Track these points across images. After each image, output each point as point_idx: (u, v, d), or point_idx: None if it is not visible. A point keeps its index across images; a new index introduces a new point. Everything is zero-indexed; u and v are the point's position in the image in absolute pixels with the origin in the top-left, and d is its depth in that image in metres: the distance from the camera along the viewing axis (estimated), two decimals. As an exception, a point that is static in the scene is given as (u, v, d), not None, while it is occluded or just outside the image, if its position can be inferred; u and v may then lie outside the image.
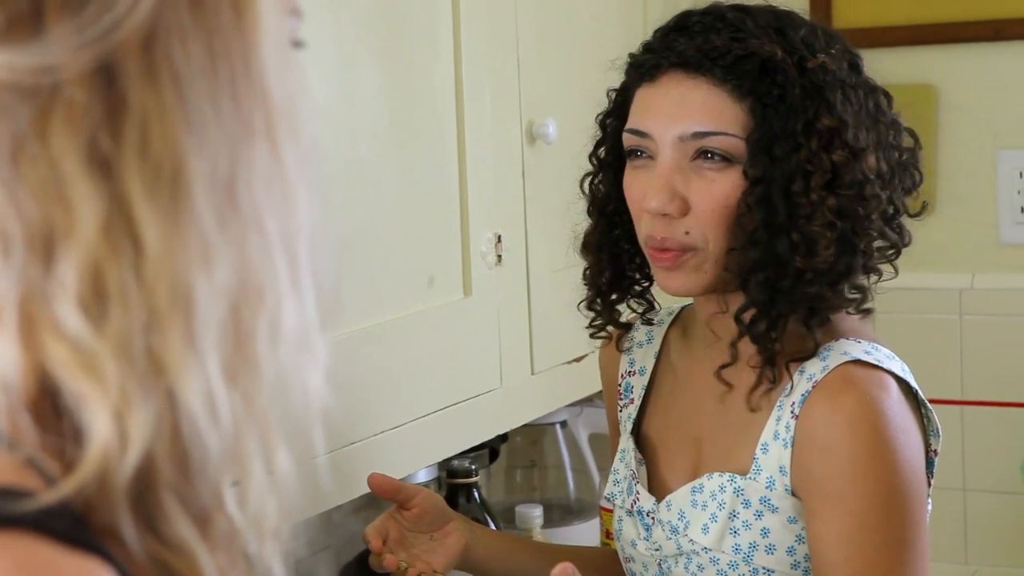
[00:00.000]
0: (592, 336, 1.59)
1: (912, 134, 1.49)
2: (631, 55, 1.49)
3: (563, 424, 2.39)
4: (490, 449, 2.24)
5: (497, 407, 1.86)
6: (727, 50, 1.39)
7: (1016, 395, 2.45)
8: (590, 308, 1.57)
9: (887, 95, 1.47)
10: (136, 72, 0.57)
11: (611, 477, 1.58)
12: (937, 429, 1.44)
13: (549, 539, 2.11)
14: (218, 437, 0.59)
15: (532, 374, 1.93)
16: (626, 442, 1.57)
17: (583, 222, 1.58)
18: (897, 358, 1.43)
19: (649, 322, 1.59)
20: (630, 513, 1.52)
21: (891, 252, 1.46)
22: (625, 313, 1.59)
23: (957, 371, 2.47)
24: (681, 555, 1.45)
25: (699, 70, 1.40)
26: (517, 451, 2.41)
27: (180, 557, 0.58)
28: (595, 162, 1.56)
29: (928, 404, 1.44)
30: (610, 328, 1.58)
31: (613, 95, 1.53)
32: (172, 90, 0.58)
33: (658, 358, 1.59)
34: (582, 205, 1.59)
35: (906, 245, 1.47)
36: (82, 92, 0.57)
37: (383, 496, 1.59)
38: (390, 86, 1.67)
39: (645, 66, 1.45)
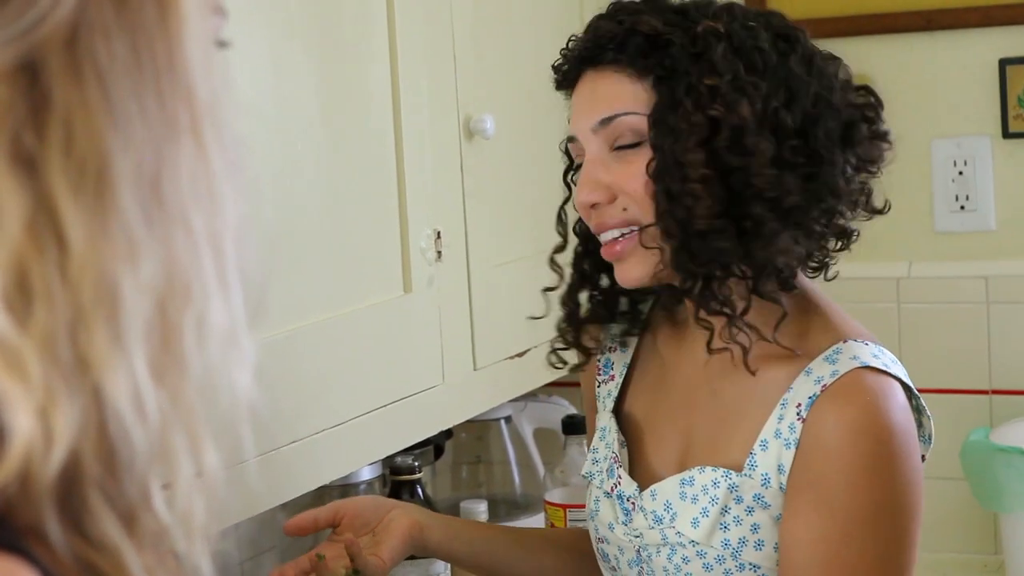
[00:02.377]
0: (551, 355, 1.60)
1: (870, 90, 1.48)
2: (552, 67, 1.52)
3: (507, 419, 2.40)
4: (435, 446, 2.25)
5: (439, 403, 1.86)
6: (614, 34, 1.43)
7: (954, 382, 2.48)
8: (559, 329, 1.58)
9: (832, 58, 1.45)
10: (60, 69, 0.57)
11: (590, 456, 1.57)
12: (929, 436, 1.45)
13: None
14: (145, 434, 0.59)
15: (474, 370, 1.93)
16: (607, 421, 1.56)
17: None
18: (899, 362, 1.43)
19: (631, 332, 1.58)
20: (608, 495, 1.51)
21: (830, 205, 1.42)
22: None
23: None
24: (665, 545, 1.44)
25: (600, 61, 1.44)
26: (462, 447, 2.41)
27: (106, 556, 0.58)
28: (567, 189, 1.58)
29: (927, 411, 1.44)
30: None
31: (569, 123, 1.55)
32: (96, 87, 0.58)
33: (641, 335, 1.58)
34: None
35: (854, 200, 1.45)
36: (5, 89, 0.57)
37: (306, 533, 1.61)
38: (325, 83, 1.66)
39: (562, 73, 1.50)
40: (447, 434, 2.25)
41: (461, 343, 1.90)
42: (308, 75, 1.63)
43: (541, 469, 2.36)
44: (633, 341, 1.58)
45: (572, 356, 1.59)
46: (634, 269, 1.44)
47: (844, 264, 2.49)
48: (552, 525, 2.15)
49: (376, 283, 1.75)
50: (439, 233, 1.84)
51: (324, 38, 1.66)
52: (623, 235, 1.43)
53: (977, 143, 2.46)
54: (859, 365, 1.38)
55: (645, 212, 1.42)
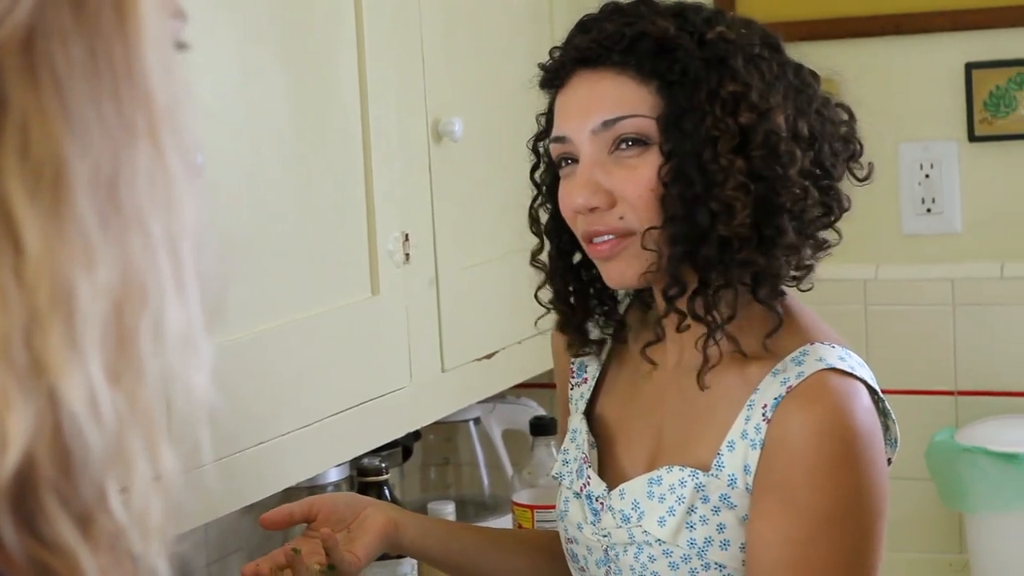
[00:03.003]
0: (573, 355, 1.59)
1: (846, 108, 1.49)
2: (540, 65, 1.50)
3: (476, 421, 2.40)
4: (403, 447, 2.25)
5: (407, 405, 1.86)
6: (620, 35, 1.41)
7: (920, 383, 2.50)
8: (561, 331, 1.57)
9: (814, 74, 1.47)
10: (16, 73, 0.57)
11: (560, 457, 1.57)
12: (895, 439, 1.45)
13: (462, 535, 2.11)
14: (100, 437, 0.59)
15: (443, 371, 1.94)
16: (578, 423, 1.56)
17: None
18: (866, 365, 1.43)
19: (621, 340, 1.58)
20: (577, 496, 1.51)
21: (829, 217, 1.46)
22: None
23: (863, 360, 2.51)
24: (632, 544, 1.45)
25: (600, 62, 1.42)
26: (431, 448, 2.41)
27: (60, 558, 0.58)
28: (533, 188, 1.57)
29: (892, 414, 1.45)
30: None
31: (542, 119, 1.54)
32: (52, 92, 0.58)
33: (615, 338, 1.58)
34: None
35: (845, 209, 1.47)
36: None
37: (281, 528, 1.60)
38: (293, 86, 1.66)
39: (551, 72, 1.47)
40: (415, 436, 2.25)
41: (429, 345, 1.91)
42: (276, 77, 1.64)
43: (510, 470, 2.37)
44: (607, 345, 1.59)
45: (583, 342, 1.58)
46: (625, 269, 1.42)
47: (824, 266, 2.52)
48: (520, 526, 2.15)
49: (344, 285, 1.75)
50: (407, 235, 1.84)
51: (292, 40, 1.66)
52: (615, 238, 1.42)
53: (944, 147, 2.48)
54: (825, 367, 1.38)
55: (644, 219, 1.40)
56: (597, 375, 1.58)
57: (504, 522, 2.24)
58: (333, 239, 1.73)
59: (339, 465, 1.95)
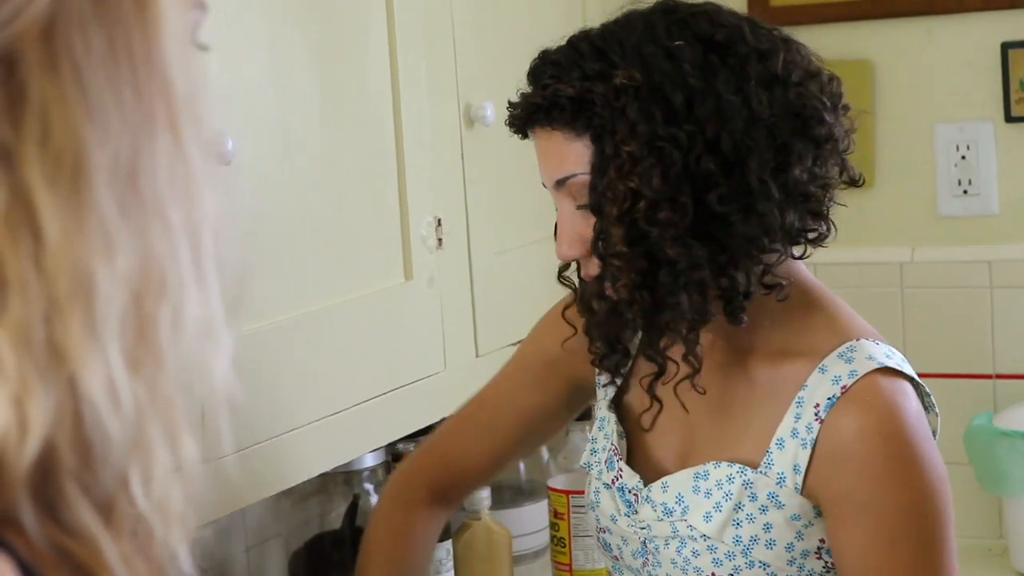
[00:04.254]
0: (595, 364, 1.56)
1: (832, 77, 1.44)
2: (507, 106, 1.49)
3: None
4: (438, 432, 2.25)
5: (441, 390, 1.86)
6: (541, 101, 1.41)
7: (958, 366, 2.48)
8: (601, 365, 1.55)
9: (819, 78, 1.42)
10: (36, 63, 0.57)
11: (588, 446, 1.58)
12: (935, 431, 1.45)
13: (498, 520, 2.12)
14: (120, 425, 0.59)
15: (477, 356, 1.94)
16: (606, 412, 1.56)
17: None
18: (907, 362, 1.44)
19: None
20: (608, 487, 1.51)
21: (762, 246, 1.38)
22: None
23: (899, 344, 2.47)
24: (674, 538, 1.45)
25: (542, 121, 1.42)
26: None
27: (82, 544, 0.59)
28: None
29: (935, 408, 1.45)
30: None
31: None
32: (73, 81, 0.58)
33: None
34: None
35: (808, 216, 1.41)
36: None
37: None
38: (323, 70, 1.66)
39: (515, 125, 1.47)
40: (452, 421, 2.26)
41: (463, 330, 1.91)
42: (307, 63, 1.64)
43: (546, 455, 2.37)
44: (636, 337, 1.58)
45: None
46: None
47: (847, 249, 2.51)
48: (556, 511, 2.16)
49: (377, 271, 1.75)
50: (439, 221, 1.84)
51: (323, 25, 1.66)
52: None
53: (980, 127, 2.46)
54: (876, 366, 1.39)
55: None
56: (629, 366, 1.57)
57: (540, 507, 2.24)
58: (365, 225, 1.73)
59: (374, 451, 1.95)
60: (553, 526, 2.19)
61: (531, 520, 2.23)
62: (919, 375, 1.45)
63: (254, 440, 1.53)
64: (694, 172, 1.35)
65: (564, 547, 2.16)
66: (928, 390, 1.45)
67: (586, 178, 1.40)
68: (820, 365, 1.40)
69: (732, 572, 1.41)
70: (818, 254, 1.47)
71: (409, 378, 1.79)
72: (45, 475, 0.58)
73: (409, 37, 1.79)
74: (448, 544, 1.98)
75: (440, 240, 1.85)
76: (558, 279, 1.54)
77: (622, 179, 1.36)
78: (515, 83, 1.52)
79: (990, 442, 2.32)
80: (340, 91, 1.69)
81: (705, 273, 1.36)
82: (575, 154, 1.40)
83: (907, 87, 2.50)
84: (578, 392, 1.65)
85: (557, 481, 2.16)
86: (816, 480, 1.39)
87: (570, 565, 2.14)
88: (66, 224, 0.58)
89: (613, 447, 1.53)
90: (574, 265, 1.49)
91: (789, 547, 1.40)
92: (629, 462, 1.51)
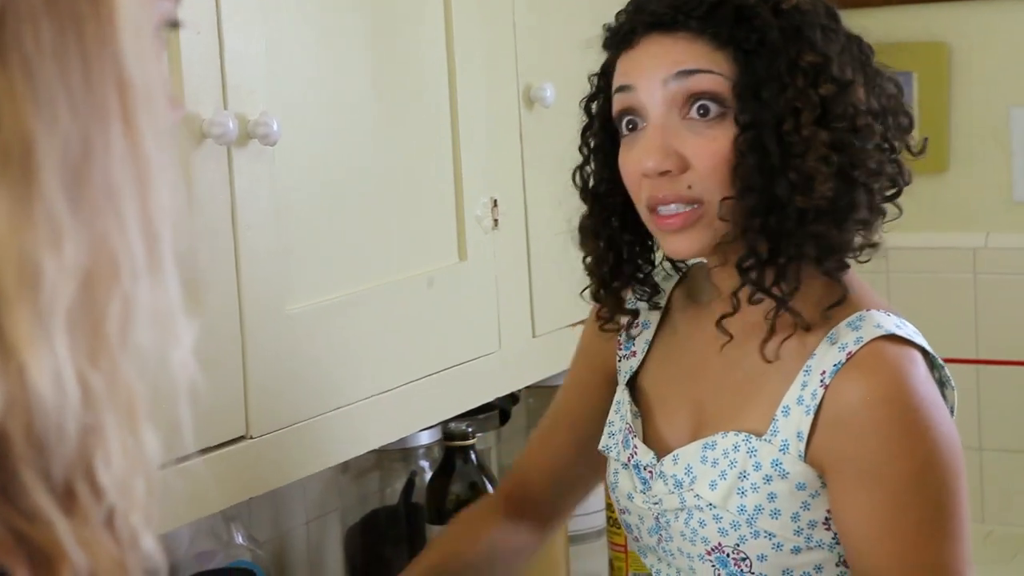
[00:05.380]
0: (602, 328, 1.57)
1: (895, 82, 1.47)
2: (605, 26, 1.48)
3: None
4: (500, 411, 2.26)
5: (496, 370, 1.87)
6: (699, 1, 1.39)
7: (1030, 353, 2.44)
8: (595, 299, 1.56)
9: (869, 47, 1.45)
10: None
11: (606, 429, 1.57)
12: (952, 407, 1.43)
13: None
14: (73, 415, 0.59)
15: (533, 337, 1.94)
16: (621, 394, 1.56)
17: (578, 205, 1.56)
18: (920, 335, 1.42)
19: (656, 306, 1.57)
20: (626, 466, 1.52)
21: (893, 190, 1.44)
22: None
23: (972, 330, 2.46)
24: (683, 510, 1.44)
25: (675, 26, 1.40)
26: (533, 412, 2.42)
27: (38, 528, 0.59)
28: (584, 150, 1.54)
29: (951, 382, 1.43)
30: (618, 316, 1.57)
31: (595, 79, 1.52)
32: (21, 73, 0.58)
33: (663, 314, 1.58)
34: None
35: (907, 183, 1.44)
36: None
37: None
38: (377, 49, 1.67)
39: (621, 33, 1.44)
40: (513, 399, 2.26)
41: (519, 311, 1.91)
42: (361, 42, 1.64)
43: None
44: (656, 318, 1.58)
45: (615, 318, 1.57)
46: (691, 242, 1.40)
47: (920, 234, 2.48)
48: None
49: (432, 251, 1.76)
50: (495, 201, 1.85)
51: (377, 4, 1.67)
52: (682, 210, 1.39)
53: (1057, 112, 2.42)
54: (883, 333, 1.37)
55: (715, 189, 1.38)
56: (646, 349, 1.57)
57: (597, 489, 2.24)
58: (420, 205, 1.74)
59: (429, 428, 1.96)
60: (610, 507, 2.19)
61: (588, 501, 2.23)
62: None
63: (309, 414, 1.55)
64: (868, 103, 1.41)
65: (620, 528, 2.16)
66: (942, 363, 1.42)
67: (720, 80, 1.37)
68: (830, 334, 1.39)
69: (738, 542, 1.40)
70: (890, 238, 1.48)
71: (463, 358, 1.80)
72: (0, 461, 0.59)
73: (466, 16, 1.79)
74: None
75: (496, 221, 1.85)
76: (579, 233, 1.54)
77: (813, 87, 1.36)
78: (577, 65, 1.52)
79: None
80: (394, 70, 1.69)
81: (891, 184, 1.42)
82: (712, 59, 1.38)
83: (983, 70, 2.46)
84: (615, 386, 1.64)
85: (616, 462, 2.15)
86: (819, 446, 1.37)
87: (625, 546, 2.14)
88: (13, 214, 0.58)
89: (628, 426, 1.53)
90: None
91: (795, 517, 1.39)
92: (644, 441, 1.51)
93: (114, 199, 0.60)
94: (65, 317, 0.59)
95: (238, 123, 1.41)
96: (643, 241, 1.52)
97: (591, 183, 1.53)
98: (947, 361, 1.45)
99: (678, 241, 1.40)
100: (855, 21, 1.45)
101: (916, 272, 2.49)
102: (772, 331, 1.40)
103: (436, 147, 1.77)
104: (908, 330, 1.40)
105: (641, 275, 1.54)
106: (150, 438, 0.62)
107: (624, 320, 1.56)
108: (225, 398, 1.44)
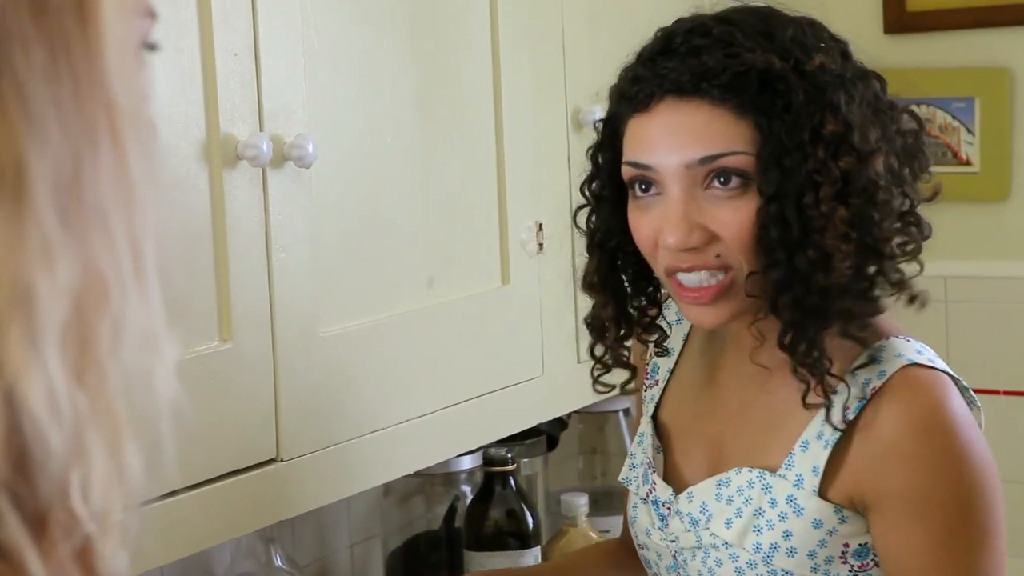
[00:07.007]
0: (594, 384, 1.54)
1: (914, 115, 1.42)
2: (616, 86, 1.42)
3: (626, 412, 2.38)
4: (548, 436, 2.24)
5: (539, 395, 1.85)
6: (723, 68, 1.32)
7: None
8: (591, 354, 1.52)
9: (880, 79, 1.41)
10: None
11: (627, 461, 1.55)
12: (980, 427, 1.41)
13: (595, 527, 2.10)
14: (60, 436, 0.59)
15: (578, 362, 1.92)
16: (645, 426, 1.54)
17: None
18: (940, 359, 1.39)
19: (665, 352, 1.54)
20: (644, 501, 1.50)
21: (912, 248, 1.40)
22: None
23: (1033, 361, 2.41)
24: (699, 548, 1.43)
25: (695, 93, 1.34)
26: (583, 438, 2.40)
27: (6, 561, 0.59)
28: (589, 197, 1.49)
29: (976, 402, 1.41)
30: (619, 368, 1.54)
31: (600, 127, 1.47)
32: (13, 95, 0.58)
33: (686, 341, 1.55)
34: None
35: (926, 238, 1.42)
36: None
37: None
38: (421, 68, 1.65)
39: (637, 97, 1.37)
40: (562, 425, 2.24)
41: (563, 335, 1.89)
42: (404, 61, 1.63)
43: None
44: (678, 347, 1.55)
45: (614, 377, 1.53)
46: (718, 315, 1.37)
47: (983, 262, 2.43)
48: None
49: (474, 274, 1.75)
50: (540, 225, 1.83)
51: (422, 22, 1.65)
52: (710, 281, 1.35)
53: (1124, 139, 2.36)
54: (906, 363, 1.35)
55: (742, 258, 1.34)
56: (667, 378, 1.55)
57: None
58: (463, 228, 1.72)
59: (471, 453, 1.95)
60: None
61: (613, 531, 2.20)
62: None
63: (341, 438, 1.54)
64: (888, 169, 1.37)
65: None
66: (966, 386, 1.40)
67: (744, 159, 1.33)
68: (850, 367, 1.37)
69: None
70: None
71: (505, 382, 1.78)
72: None
73: (514, 38, 1.77)
74: (536, 551, 1.96)
75: (541, 245, 1.83)
76: (584, 287, 1.50)
77: (834, 160, 1.31)
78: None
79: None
80: (437, 91, 1.68)
81: (911, 255, 1.40)
82: (734, 132, 1.33)
83: (1047, 96, 2.41)
84: None
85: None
86: (848, 483, 1.35)
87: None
88: (6, 235, 0.58)
89: (648, 460, 1.50)
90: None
91: (811, 555, 1.37)
92: (664, 477, 1.49)
93: (104, 219, 0.61)
94: (58, 337, 0.59)
95: (273, 145, 1.41)
96: (653, 295, 1.49)
97: (598, 232, 1.47)
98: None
99: (705, 313, 1.37)
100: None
101: (976, 301, 2.44)
102: (828, 398, 1.37)
103: (480, 169, 1.75)
104: (929, 355, 1.38)
105: (647, 318, 1.50)
106: (133, 460, 0.62)
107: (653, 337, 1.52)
108: (256, 421, 1.43)
